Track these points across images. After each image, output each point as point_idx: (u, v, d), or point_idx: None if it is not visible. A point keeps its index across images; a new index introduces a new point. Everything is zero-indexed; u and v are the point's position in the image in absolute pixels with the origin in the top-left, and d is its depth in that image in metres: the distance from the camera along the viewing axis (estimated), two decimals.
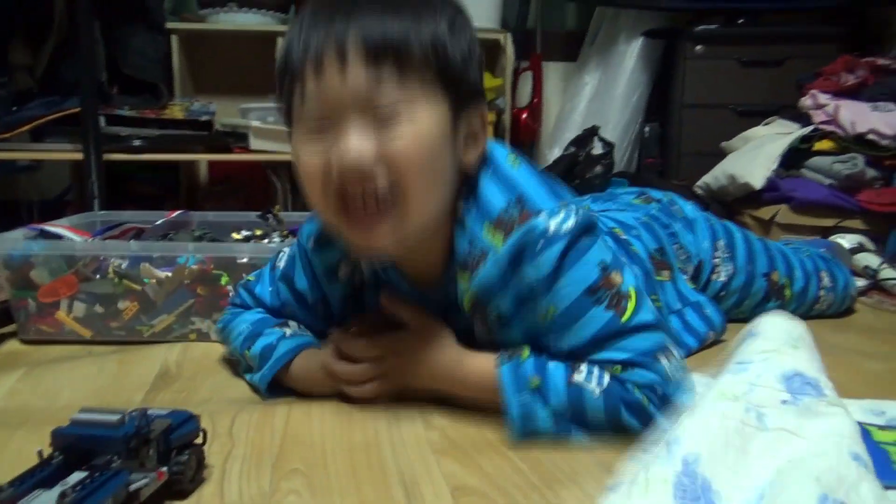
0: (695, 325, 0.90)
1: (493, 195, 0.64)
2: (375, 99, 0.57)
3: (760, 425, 0.50)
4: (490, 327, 0.69)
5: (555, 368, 0.63)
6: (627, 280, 0.64)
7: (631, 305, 0.63)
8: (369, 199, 0.59)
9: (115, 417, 0.50)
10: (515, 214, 0.63)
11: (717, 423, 0.51)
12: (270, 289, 0.80)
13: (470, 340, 0.70)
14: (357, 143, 0.57)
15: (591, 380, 0.61)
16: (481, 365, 0.66)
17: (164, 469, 0.51)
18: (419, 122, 0.58)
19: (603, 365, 0.62)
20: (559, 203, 0.64)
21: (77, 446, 0.50)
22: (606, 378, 0.61)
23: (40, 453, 0.49)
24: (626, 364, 0.61)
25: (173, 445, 0.53)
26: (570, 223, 0.62)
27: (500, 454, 0.61)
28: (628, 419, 0.61)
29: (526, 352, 0.65)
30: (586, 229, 0.63)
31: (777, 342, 0.58)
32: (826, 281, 1.07)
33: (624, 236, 0.87)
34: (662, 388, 0.61)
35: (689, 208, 1.02)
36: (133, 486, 0.48)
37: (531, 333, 0.66)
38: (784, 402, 0.52)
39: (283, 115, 0.65)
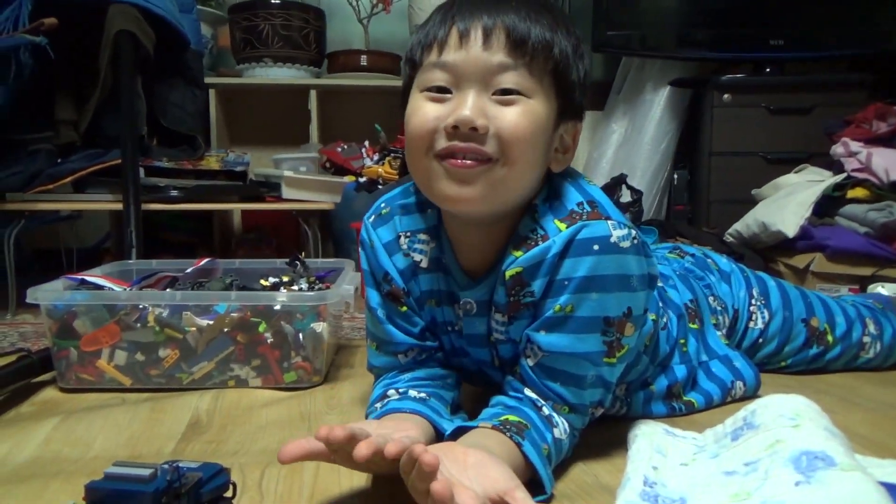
0: (720, 374, 0.89)
1: (570, 195, 0.69)
2: (503, 78, 0.64)
3: None
4: (514, 315, 0.70)
5: (544, 429, 0.65)
6: (631, 339, 0.69)
7: (617, 356, 0.68)
8: (473, 158, 0.64)
9: (146, 472, 0.51)
10: (587, 210, 0.67)
11: None
12: (373, 349, 0.80)
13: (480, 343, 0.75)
14: (477, 108, 0.63)
15: (563, 432, 0.67)
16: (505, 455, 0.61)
17: None
18: (532, 108, 0.64)
19: (555, 402, 0.68)
20: (627, 221, 0.67)
21: (110, 501, 0.50)
22: (567, 426, 0.68)
23: None
24: (573, 408, 0.68)
25: (203, 500, 0.53)
26: (628, 243, 0.65)
27: None
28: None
29: (516, 418, 0.65)
30: (650, 275, 0.69)
31: (777, 429, 0.60)
32: (871, 328, 1.05)
33: (660, 284, 0.88)
34: (583, 428, 0.71)
35: (724, 262, 1.04)
36: None
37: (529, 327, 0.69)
38: (798, 483, 0.52)
39: (402, 87, 0.71)
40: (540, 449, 0.63)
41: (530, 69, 0.64)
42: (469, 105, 0.63)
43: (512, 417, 0.65)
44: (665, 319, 0.85)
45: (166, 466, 0.52)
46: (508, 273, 0.68)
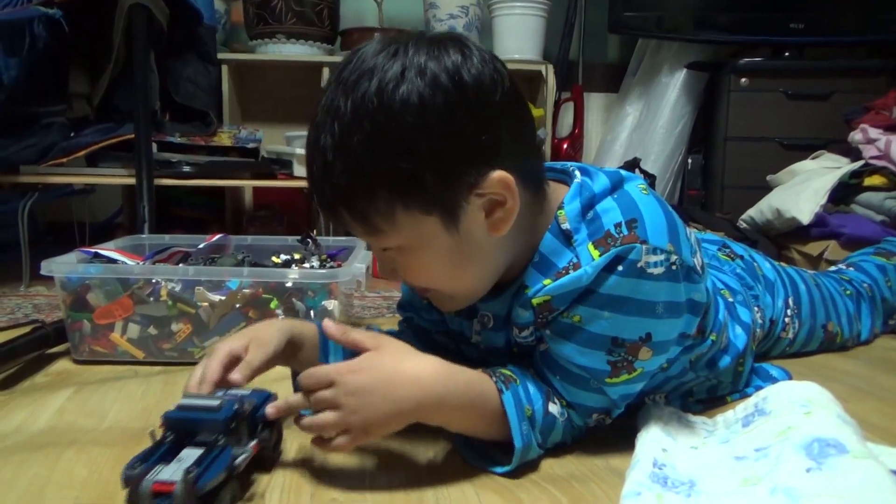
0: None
1: (610, 212, 0.63)
2: (381, 243, 0.64)
3: (793, 501, 0.50)
4: (537, 334, 0.68)
5: (535, 394, 0.65)
6: (648, 363, 0.65)
7: (624, 378, 0.65)
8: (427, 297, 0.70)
9: (215, 402, 0.58)
10: (623, 234, 0.62)
11: None
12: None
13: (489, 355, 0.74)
14: (383, 267, 0.67)
15: (559, 413, 0.66)
16: (466, 378, 0.62)
17: (256, 442, 0.59)
18: (417, 252, 0.63)
19: (554, 393, 0.67)
20: (667, 245, 0.62)
21: (185, 427, 0.57)
22: (564, 411, 0.67)
23: (153, 434, 0.56)
24: (569, 405, 0.67)
25: (259, 422, 0.61)
26: (661, 269, 0.62)
27: (539, 487, 0.61)
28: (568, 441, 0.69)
29: (509, 372, 0.65)
30: (690, 301, 0.67)
31: (788, 416, 0.60)
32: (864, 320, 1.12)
33: (731, 299, 0.86)
34: (581, 433, 0.69)
35: (768, 267, 1.00)
36: (237, 460, 0.55)
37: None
38: (809, 469, 0.52)
39: None
40: (522, 406, 0.62)
41: (372, 223, 0.60)
42: (382, 270, 0.67)
43: (507, 372, 0.65)
44: (729, 337, 0.81)
45: (230, 397, 0.59)
46: (536, 301, 0.65)
